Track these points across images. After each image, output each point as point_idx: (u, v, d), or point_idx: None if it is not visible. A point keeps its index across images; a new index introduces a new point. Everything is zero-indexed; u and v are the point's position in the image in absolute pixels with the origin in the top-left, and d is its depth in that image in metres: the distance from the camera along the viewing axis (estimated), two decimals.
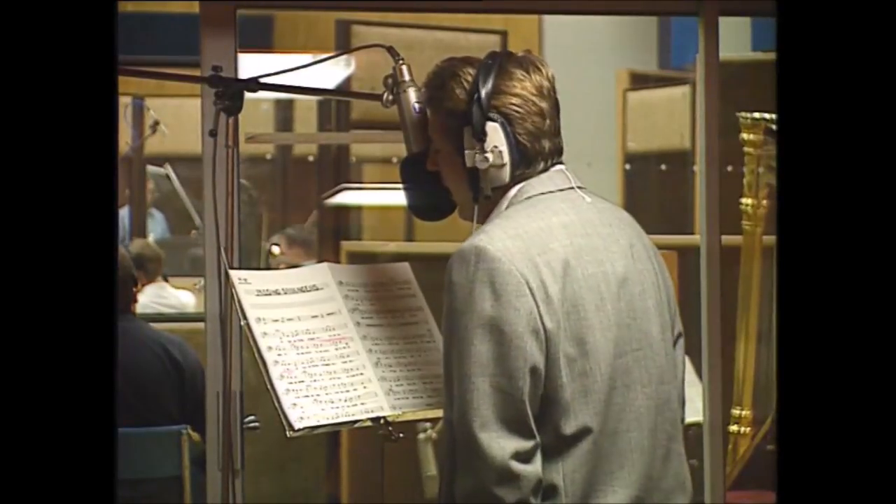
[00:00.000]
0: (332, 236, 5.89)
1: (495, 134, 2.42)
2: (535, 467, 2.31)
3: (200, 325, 3.31)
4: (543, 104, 2.46)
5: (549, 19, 6.97)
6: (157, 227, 7.29)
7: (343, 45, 5.70)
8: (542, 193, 2.45)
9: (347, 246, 5.19)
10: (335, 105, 6.05)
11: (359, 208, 6.20)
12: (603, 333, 2.38)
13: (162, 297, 5.87)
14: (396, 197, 2.75)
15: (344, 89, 5.34)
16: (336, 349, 2.59)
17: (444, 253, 4.94)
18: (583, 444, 2.35)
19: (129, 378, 4.36)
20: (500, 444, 2.29)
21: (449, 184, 2.53)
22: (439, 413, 2.72)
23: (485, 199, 2.46)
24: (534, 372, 2.32)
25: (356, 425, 2.58)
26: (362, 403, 2.55)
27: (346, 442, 4.88)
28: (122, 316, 4.51)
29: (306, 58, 2.90)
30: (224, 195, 2.78)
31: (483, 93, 2.43)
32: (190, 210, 6.37)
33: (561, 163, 2.50)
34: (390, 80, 2.65)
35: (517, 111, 2.44)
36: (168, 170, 6.56)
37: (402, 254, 4.96)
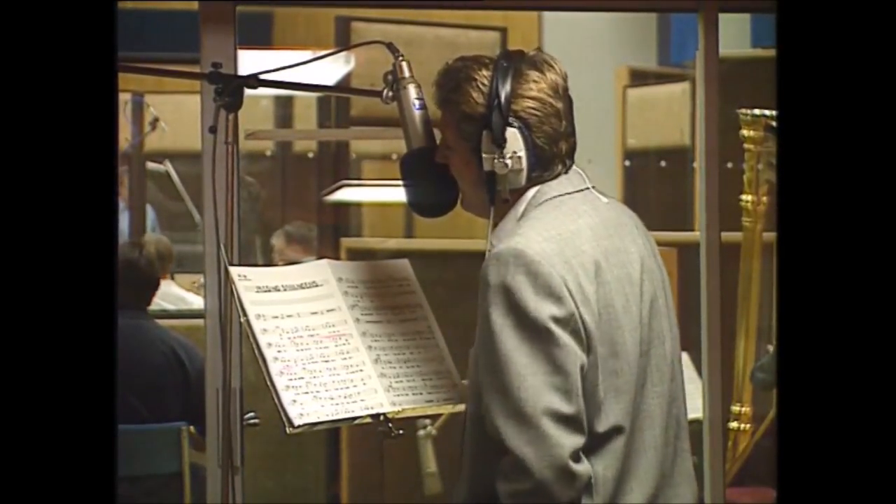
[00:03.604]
0: (331, 233, 5.89)
1: (514, 139, 2.42)
2: (586, 466, 2.33)
3: (200, 321, 3.31)
4: (559, 104, 2.46)
5: (548, 16, 6.97)
6: (146, 222, 7.27)
7: (342, 42, 5.70)
8: (562, 195, 2.46)
9: (347, 242, 5.19)
10: (335, 102, 6.05)
11: (358, 205, 6.19)
12: (630, 333, 2.40)
13: (167, 294, 5.86)
14: (396, 193, 2.74)
15: (343, 86, 5.33)
16: (336, 346, 2.59)
17: (443, 249, 4.96)
18: (614, 442, 2.37)
19: (134, 376, 4.36)
20: (560, 443, 2.30)
21: (461, 181, 2.53)
22: (439, 409, 2.72)
23: (503, 202, 2.46)
24: (582, 370, 2.33)
25: (356, 422, 2.58)
26: (362, 400, 2.55)
27: (346, 439, 4.88)
28: (136, 313, 4.54)
29: (306, 54, 2.89)
30: (224, 192, 2.78)
31: (503, 97, 2.42)
32: (189, 207, 6.37)
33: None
34: (390, 77, 2.64)
35: (535, 114, 2.43)
36: (168, 166, 6.56)
37: (402, 250, 4.96)
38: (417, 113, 2.61)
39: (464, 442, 2.49)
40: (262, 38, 6.85)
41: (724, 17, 3.47)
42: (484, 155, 2.44)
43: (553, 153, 2.46)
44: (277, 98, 6.76)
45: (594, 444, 2.36)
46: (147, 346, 4.52)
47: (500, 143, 2.42)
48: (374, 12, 5.74)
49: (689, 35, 3.77)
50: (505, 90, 2.42)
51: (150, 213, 7.22)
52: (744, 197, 4.36)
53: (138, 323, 4.55)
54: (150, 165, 6.93)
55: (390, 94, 2.64)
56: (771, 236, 4.25)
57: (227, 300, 2.63)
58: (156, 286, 4.76)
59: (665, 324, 2.50)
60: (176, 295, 5.95)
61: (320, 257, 3.85)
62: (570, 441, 2.30)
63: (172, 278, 6.04)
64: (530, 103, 2.43)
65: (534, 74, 2.45)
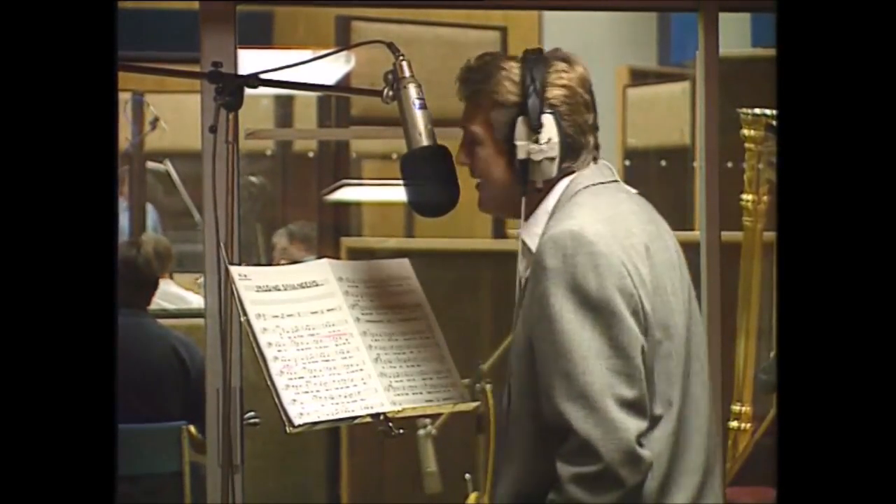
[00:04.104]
0: (332, 232, 5.89)
1: (550, 125, 2.45)
2: (649, 450, 2.33)
3: (200, 321, 3.31)
4: (588, 97, 2.51)
5: (548, 15, 6.96)
6: (147, 221, 7.26)
7: (343, 42, 5.70)
8: (595, 184, 2.48)
9: (347, 242, 5.20)
10: (335, 101, 6.04)
11: (359, 204, 6.20)
12: (679, 316, 2.42)
13: (166, 293, 5.86)
14: (396, 193, 2.75)
15: (344, 85, 5.34)
16: (336, 345, 2.59)
17: (444, 249, 4.94)
18: (666, 426, 2.37)
19: (134, 374, 4.37)
20: (626, 426, 2.29)
21: (486, 177, 2.53)
22: (439, 409, 2.72)
23: (536, 191, 2.47)
24: (643, 352, 2.33)
25: (356, 421, 2.58)
26: (362, 399, 2.55)
27: (346, 439, 4.88)
28: (136, 312, 4.56)
29: (306, 54, 2.90)
30: (224, 191, 2.78)
31: (538, 83, 2.44)
32: (190, 206, 6.37)
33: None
34: (391, 77, 2.64)
35: (566, 103, 2.47)
36: (168, 166, 6.56)
37: (402, 250, 4.96)
38: (418, 112, 2.61)
39: (505, 443, 2.47)
40: (262, 38, 6.84)
41: (724, 17, 3.47)
42: (518, 143, 2.45)
43: (582, 143, 2.49)
44: (277, 97, 6.75)
45: (649, 427, 2.35)
46: (147, 344, 4.53)
47: (537, 128, 2.43)
48: (374, 12, 5.74)
49: (690, 34, 3.77)
50: (539, 77, 2.44)
51: (152, 213, 7.22)
52: (744, 196, 4.36)
53: (138, 321, 4.56)
54: (151, 165, 6.93)
55: (391, 93, 2.64)
56: (771, 236, 4.25)
57: (227, 300, 2.63)
58: (155, 285, 4.77)
59: (698, 310, 2.53)
60: (175, 294, 5.95)
61: (320, 257, 3.86)
62: (634, 425, 2.30)
63: (171, 278, 6.04)
64: (562, 91, 2.47)
65: (563, 65, 2.49)
